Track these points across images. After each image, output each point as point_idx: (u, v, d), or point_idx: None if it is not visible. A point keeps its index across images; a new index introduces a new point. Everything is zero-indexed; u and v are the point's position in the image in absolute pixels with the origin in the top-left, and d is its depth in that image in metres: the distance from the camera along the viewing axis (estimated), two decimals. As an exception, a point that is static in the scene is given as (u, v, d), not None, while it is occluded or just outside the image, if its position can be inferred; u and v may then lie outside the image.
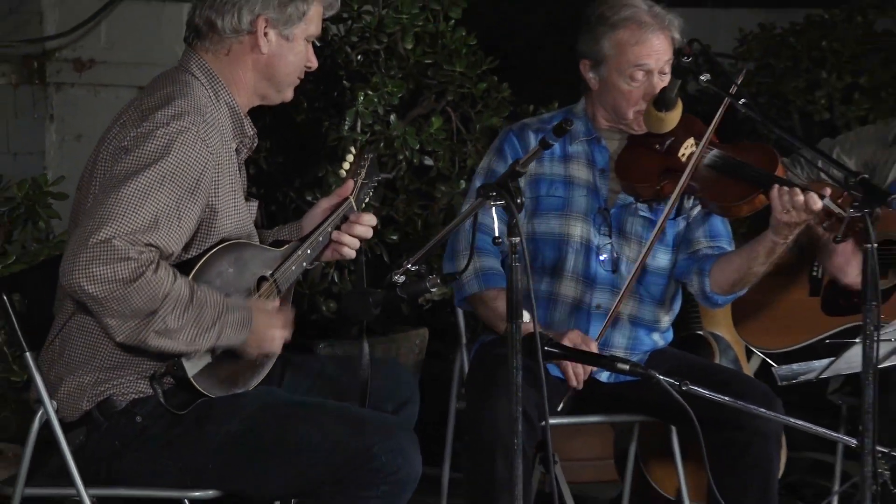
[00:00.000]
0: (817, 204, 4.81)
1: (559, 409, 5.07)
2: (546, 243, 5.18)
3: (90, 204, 4.33)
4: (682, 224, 5.23)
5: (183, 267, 4.34)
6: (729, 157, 5.08)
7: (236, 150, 4.57)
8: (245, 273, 4.47)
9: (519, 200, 4.29)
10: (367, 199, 4.79)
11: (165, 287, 4.23)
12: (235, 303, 4.38)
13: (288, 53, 4.55)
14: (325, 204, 4.74)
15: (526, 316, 4.70)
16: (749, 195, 4.98)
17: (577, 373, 5.01)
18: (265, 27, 4.51)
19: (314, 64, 4.63)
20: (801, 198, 4.83)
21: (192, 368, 4.35)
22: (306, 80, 4.67)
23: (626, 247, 5.18)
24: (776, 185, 4.88)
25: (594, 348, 5.01)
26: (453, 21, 6.31)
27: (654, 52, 5.09)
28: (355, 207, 4.71)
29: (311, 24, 4.57)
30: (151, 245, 4.24)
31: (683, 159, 5.08)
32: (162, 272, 4.23)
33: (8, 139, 7.13)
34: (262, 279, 4.51)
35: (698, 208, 5.20)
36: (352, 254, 4.70)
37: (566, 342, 4.96)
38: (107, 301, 4.20)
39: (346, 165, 4.77)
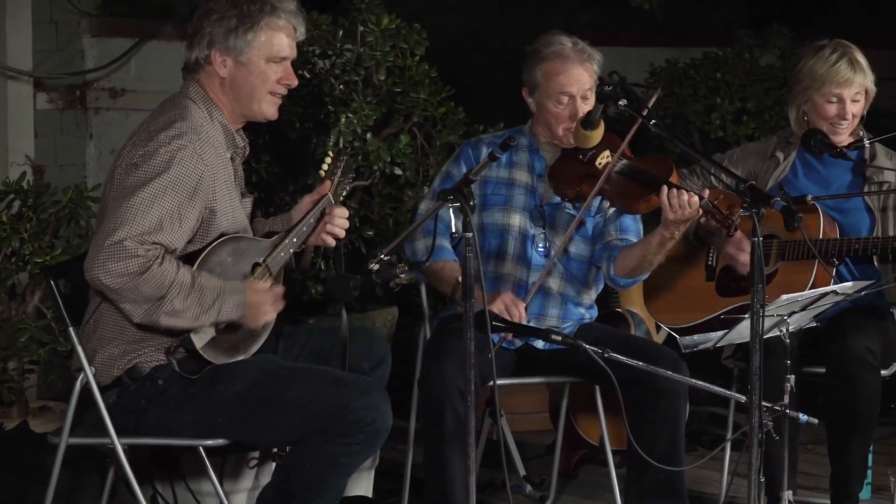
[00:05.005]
0: (696, 201, 4.80)
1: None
2: (491, 232, 5.15)
3: (108, 210, 4.29)
4: (599, 220, 5.20)
5: (188, 258, 4.30)
6: (633, 165, 5.06)
7: (231, 157, 4.52)
8: (241, 261, 4.42)
9: (471, 203, 4.27)
10: (343, 194, 4.70)
11: (170, 276, 4.19)
12: (232, 284, 4.33)
13: (247, 76, 4.46)
14: (307, 199, 4.67)
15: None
16: (645, 196, 4.96)
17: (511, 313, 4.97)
18: (219, 56, 4.45)
19: (293, 81, 4.52)
20: (685, 198, 4.81)
21: (199, 341, 4.32)
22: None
23: (556, 237, 5.15)
24: (665, 187, 4.86)
25: (521, 307, 4.97)
26: (418, 57, 6.27)
27: (575, 81, 5.07)
28: (332, 201, 4.65)
29: (266, 48, 4.47)
30: (157, 243, 4.20)
31: (600, 167, 5.06)
32: (167, 265, 4.20)
33: (55, 154, 7.09)
34: (256, 265, 4.45)
35: (613, 209, 5.17)
36: (332, 242, 4.63)
37: (499, 302, 4.94)
38: (122, 290, 4.18)
39: (325, 167, 4.69)
